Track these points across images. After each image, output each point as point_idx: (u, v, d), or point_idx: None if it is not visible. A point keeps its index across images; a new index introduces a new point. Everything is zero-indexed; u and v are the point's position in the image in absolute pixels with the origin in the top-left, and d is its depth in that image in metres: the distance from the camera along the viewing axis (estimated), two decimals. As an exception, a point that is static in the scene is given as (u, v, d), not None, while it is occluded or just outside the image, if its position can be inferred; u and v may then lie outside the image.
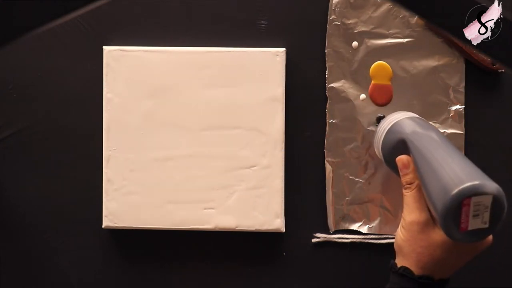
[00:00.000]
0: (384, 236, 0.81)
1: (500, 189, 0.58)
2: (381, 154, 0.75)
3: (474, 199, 0.57)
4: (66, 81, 0.84)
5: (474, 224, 0.58)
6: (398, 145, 0.70)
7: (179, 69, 0.80)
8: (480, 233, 0.59)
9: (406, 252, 0.65)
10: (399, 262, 0.67)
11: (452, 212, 0.57)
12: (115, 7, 0.83)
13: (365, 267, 0.82)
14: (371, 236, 0.81)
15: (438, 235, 0.63)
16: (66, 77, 0.84)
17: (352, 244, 0.82)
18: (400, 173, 0.69)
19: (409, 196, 0.67)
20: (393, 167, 0.72)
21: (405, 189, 0.68)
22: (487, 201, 0.57)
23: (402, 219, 0.67)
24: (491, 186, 0.58)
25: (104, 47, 0.81)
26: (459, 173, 0.59)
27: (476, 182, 0.57)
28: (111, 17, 0.83)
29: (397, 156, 0.70)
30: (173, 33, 0.82)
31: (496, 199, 0.58)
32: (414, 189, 0.66)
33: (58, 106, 0.84)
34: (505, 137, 0.81)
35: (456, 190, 0.57)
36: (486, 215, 0.58)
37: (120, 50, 0.81)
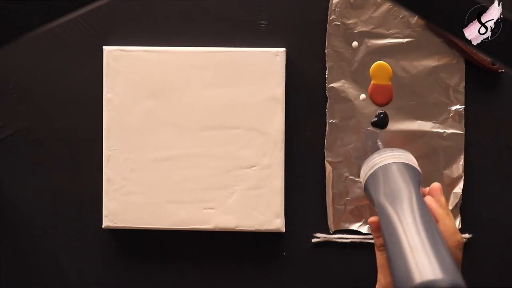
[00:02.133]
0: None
1: (457, 280, 0.56)
2: (363, 182, 0.76)
3: None
4: (66, 81, 0.84)
5: None
6: (373, 200, 0.71)
7: (179, 69, 0.80)
8: None
9: None
10: None
11: None
12: (115, 7, 0.83)
13: (365, 267, 0.82)
14: (371, 236, 0.81)
15: None
16: (66, 77, 0.84)
17: (352, 244, 0.82)
18: (372, 234, 0.68)
19: (383, 259, 0.66)
20: (372, 204, 0.72)
21: (378, 251, 0.67)
22: None
23: (378, 282, 0.66)
24: (446, 280, 0.56)
25: (104, 47, 0.82)
26: (415, 266, 0.58)
27: (429, 278, 0.56)
28: (111, 17, 0.83)
29: (373, 204, 0.71)
30: (173, 33, 0.82)
31: None
32: (382, 250, 0.66)
33: (58, 106, 0.84)
34: (505, 137, 0.81)
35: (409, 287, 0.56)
36: None
37: (120, 50, 0.81)
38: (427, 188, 0.70)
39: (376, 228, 0.67)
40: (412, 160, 0.74)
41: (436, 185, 0.70)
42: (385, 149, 0.77)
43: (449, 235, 0.65)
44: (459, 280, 0.57)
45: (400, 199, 0.66)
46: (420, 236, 0.61)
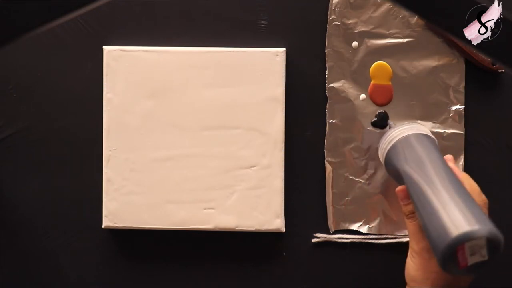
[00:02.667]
0: (384, 236, 0.81)
1: (493, 230, 0.58)
2: (383, 163, 0.77)
3: (467, 244, 0.58)
4: (66, 81, 0.84)
5: (472, 260, 0.59)
6: (397, 172, 0.72)
7: (179, 69, 0.80)
8: (481, 265, 0.59)
9: (420, 280, 0.65)
10: None
11: (447, 258, 0.58)
12: (115, 7, 0.83)
13: (365, 267, 0.82)
14: (371, 236, 0.81)
15: None
16: (66, 77, 0.84)
17: (352, 244, 0.82)
18: (401, 203, 0.69)
19: (413, 225, 0.66)
20: (396, 179, 0.73)
21: (408, 218, 0.67)
22: (481, 242, 0.58)
23: (410, 248, 0.66)
24: (481, 230, 0.58)
25: (104, 47, 0.82)
26: (449, 221, 0.59)
27: (466, 230, 0.58)
28: (111, 17, 0.83)
29: (397, 175, 0.71)
30: (173, 33, 0.82)
31: (489, 240, 0.58)
32: (417, 218, 0.66)
33: (58, 106, 0.84)
34: (505, 137, 0.81)
35: (447, 242, 0.58)
36: (484, 251, 0.59)
37: (120, 50, 0.81)
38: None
39: (405, 196, 0.68)
40: (425, 130, 0.76)
41: (448, 156, 0.73)
42: (398, 124, 0.78)
43: (476, 194, 0.66)
44: (495, 230, 0.58)
45: (424, 164, 0.68)
46: (450, 193, 0.63)
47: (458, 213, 0.60)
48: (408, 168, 0.69)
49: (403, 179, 0.69)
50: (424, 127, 0.77)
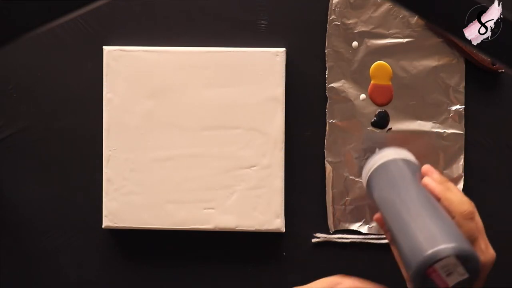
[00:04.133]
0: (384, 236, 0.81)
1: (460, 246, 0.57)
2: (366, 190, 0.77)
3: (437, 265, 0.56)
4: (66, 81, 0.84)
5: (452, 280, 0.57)
6: (373, 198, 0.73)
7: (179, 69, 0.80)
8: (465, 282, 0.57)
9: None
10: None
11: (421, 282, 0.57)
12: (115, 7, 0.83)
13: (365, 267, 0.82)
14: (371, 236, 0.81)
15: None
16: (66, 77, 0.84)
17: (352, 244, 0.82)
18: (382, 230, 0.69)
19: (395, 252, 0.67)
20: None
21: (392, 245, 0.67)
22: (452, 261, 0.56)
23: (404, 276, 0.66)
24: (446, 248, 0.56)
25: (104, 47, 0.82)
26: (414, 246, 0.58)
27: (429, 252, 0.56)
28: (111, 17, 0.83)
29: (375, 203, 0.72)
30: (173, 33, 0.82)
31: (460, 257, 0.56)
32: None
33: (58, 106, 0.84)
34: (505, 137, 0.81)
35: (415, 267, 0.57)
36: (460, 269, 0.57)
37: (120, 50, 0.81)
38: (422, 171, 0.72)
39: (382, 224, 0.68)
40: (407, 155, 0.75)
41: (426, 166, 0.71)
42: (382, 149, 0.77)
43: (454, 207, 0.64)
44: (463, 245, 0.56)
45: (397, 187, 0.68)
46: (419, 214, 0.62)
47: (424, 235, 0.59)
48: (383, 193, 0.69)
49: (379, 205, 0.69)
50: (407, 153, 0.76)
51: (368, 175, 0.74)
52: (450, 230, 0.59)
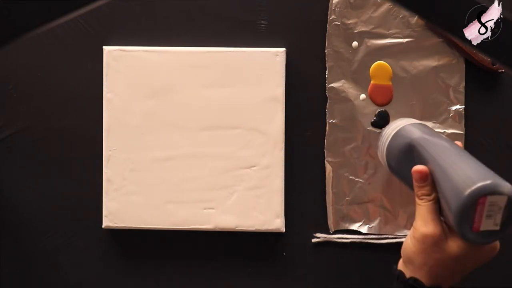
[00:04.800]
0: (384, 236, 0.81)
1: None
2: (385, 160, 0.75)
3: (489, 199, 0.57)
4: (66, 81, 0.84)
5: (486, 225, 0.58)
6: (406, 150, 0.70)
7: (179, 69, 0.80)
8: (490, 235, 0.59)
9: (418, 264, 0.64)
10: (408, 272, 0.65)
11: (466, 210, 0.58)
12: (115, 7, 0.83)
13: (365, 267, 0.82)
14: (371, 236, 0.81)
15: (452, 248, 0.62)
16: (66, 77, 0.84)
17: (352, 244, 0.82)
18: (416, 184, 0.66)
19: (424, 207, 0.65)
20: (399, 174, 0.72)
21: (421, 200, 0.66)
22: (502, 201, 0.57)
23: (413, 229, 0.65)
24: (507, 186, 0.58)
25: (104, 47, 0.82)
26: (475, 174, 0.59)
27: (492, 181, 0.58)
28: (111, 17, 0.83)
29: (403, 163, 0.70)
30: (173, 33, 0.82)
31: (510, 201, 0.58)
32: (430, 201, 0.65)
33: (58, 106, 0.84)
34: (505, 137, 0.81)
35: (473, 188, 0.57)
36: (498, 217, 0.58)
37: (120, 50, 0.81)
38: None
39: (421, 178, 0.65)
40: (417, 121, 0.77)
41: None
42: (393, 121, 0.78)
43: None
44: None
45: (436, 134, 0.69)
46: (470, 155, 0.64)
47: (482, 168, 0.60)
48: (423, 134, 0.69)
49: (417, 147, 0.68)
50: (416, 120, 0.78)
51: (390, 138, 0.74)
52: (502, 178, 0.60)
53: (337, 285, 0.82)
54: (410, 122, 0.75)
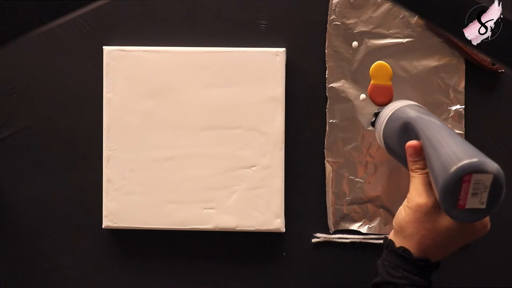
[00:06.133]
0: (384, 236, 0.81)
1: (500, 170, 0.58)
2: (382, 140, 0.76)
3: (474, 177, 0.58)
4: (66, 81, 0.84)
5: (472, 203, 0.59)
6: (402, 129, 0.70)
7: (179, 69, 0.80)
8: (476, 214, 0.60)
9: (408, 233, 0.65)
10: (398, 241, 0.66)
11: (452, 187, 0.58)
12: (115, 7, 0.83)
13: (365, 267, 0.82)
14: (371, 236, 0.81)
15: (444, 220, 0.63)
16: (66, 77, 0.84)
17: (352, 244, 0.82)
18: (410, 159, 0.68)
19: (418, 179, 0.66)
20: (396, 154, 0.72)
21: (415, 172, 0.67)
22: (487, 180, 0.58)
23: (407, 199, 0.66)
24: (492, 165, 0.58)
25: (104, 47, 0.82)
26: (461, 152, 0.60)
27: (478, 159, 0.58)
28: (111, 17, 0.83)
29: (399, 141, 0.70)
30: (173, 33, 0.82)
31: (495, 179, 0.58)
32: (424, 174, 0.66)
33: (58, 106, 0.84)
34: (505, 137, 0.81)
35: (458, 165, 0.58)
36: (485, 196, 0.59)
37: (120, 50, 0.81)
38: None
39: (415, 152, 0.67)
40: (413, 102, 0.77)
41: None
42: (390, 103, 0.79)
43: None
44: (502, 172, 0.58)
45: (431, 115, 0.70)
46: (461, 137, 0.65)
47: (471, 147, 0.61)
48: (418, 114, 0.69)
49: (412, 125, 0.68)
50: (413, 101, 0.78)
51: (387, 118, 0.75)
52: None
53: (337, 285, 0.82)
54: (407, 104, 0.75)
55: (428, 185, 0.65)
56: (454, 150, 0.60)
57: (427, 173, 0.65)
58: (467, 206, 0.59)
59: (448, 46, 0.80)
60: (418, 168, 0.66)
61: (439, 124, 0.67)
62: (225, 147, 0.80)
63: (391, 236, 0.68)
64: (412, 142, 0.67)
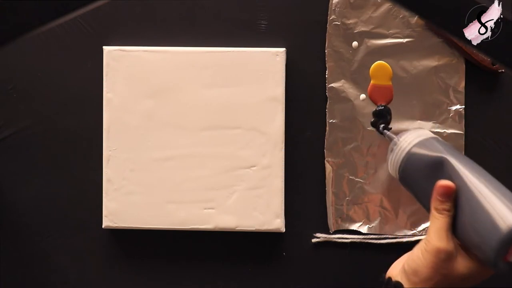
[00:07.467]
0: (384, 236, 0.81)
1: None
2: (397, 170, 0.71)
3: None
4: (66, 81, 0.84)
5: None
6: (431, 165, 0.67)
7: (179, 69, 0.80)
8: None
9: (424, 277, 0.63)
10: (409, 284, 0.64)
11: (505, 245, 0.58)
12: (115, 7, 0.83)
13: (365, 267, 0.82)
14: (371, 236, 0.81)
15: (461, 266, 0.62)
16: (66, 77, 0.84)
17: (352, 244, 0.82)
18: (439, 198, 0.64)
19: (441, 222, 0.63)
20: (414, 188, 0.70)
21: (440, 213, 0.64)
22: None
23: (426, 242, 0.63)
24: None
25: (104, 47, 0.82)
26: (505, 212, 0.60)
27: None
28: (111, 17, 0.83)
29: (424, 177, 0.67)
30: (173, 33, 0.82)
31: None
32: (449, 216, 0.63)
33: (58, 106, 0.84)
34: (505, 137, 0.81)
35: (505, 233, 0.58)
36: None
37: (120, 50, 0.81)
38: None
39: (446, 192, 0.64)
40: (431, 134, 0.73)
41: None
42: (403, 134, 0.73)
43: None
44: None
45: (461, 157, 0.66)
46: (499, 188, 0.63)
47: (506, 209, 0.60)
48: (451, 151, 0.66)
49: (448, 164, 0.65)
50: (430, 132, 0.73)
51: (409, 148, 0.70)
52: None
53: (337, 285, 0.82)
54: (431, 136, 0.71)
55: (450, 229, 0.63)
56: (505, 206, 0.60)
57: (451, 216, 0.63)
58: (511, 259, 0.59)
59: (448, 46, 0.80)
60: (445, 210, 0.63)
61: (477, 168, 0.65)
62: (225, 147, 0.80)
63: (397, 277, 0.65)
64: (446, 182, 0.64)
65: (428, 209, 0.66)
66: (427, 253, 0.63)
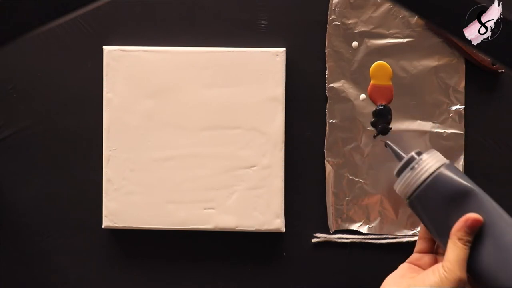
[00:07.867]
0: (384, 236, 0.81)
1: None
2: (408, 193, 0.67)
3: None
4: (66, 81, 0.84)
5: None
6: (455, 196, 0.65)
7: (179, 69, 0.80)
8: None
9: None
10: None
11: None
12: (115, 7, 0.83)
13: (365, 267, 0.82)
14: (371, 236, 0.81)
15: None
16: (66, 77, 0.84)
17: (352, 244, 0.82)
18: (466, 230, 0.64)
19: (464, 253, 0.63)
20: (428, 216, 0.67)
21: (464, 244, 0.64)
22: None
23: (446, 271, 0.63)
24: None
25: (104, 47, 0.82)
26: None
27: None
28: (111, 17, 0.83)
29: (445, 207, 0.65)
30: (173, 33, 0.82)
31: None
32: (469, 248, 0.64)
33: (58, 106, 0.84)
34: (505, 137, 0.81)
35: None
36: None
37: (120, 50, 0.81)
38: None
39: (474, 225, 0.64)
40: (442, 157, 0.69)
41: None
42: (427, 155, 0.67)
43: None
44: None
45: (477, 193, 0.65)
46: None
47: None
48: (479, 189, 0.65)
49: (478, 196, 0.65)
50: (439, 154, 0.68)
51: (431, 174, 0.66)
52: None
53: (337, 285, 0.82)
54: (448, 162, 0.67)
55: (466, 260, 0.64)
56: None
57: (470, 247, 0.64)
58: None
59: (448, 46, 0.80)
60: (469, 242, 0.64)
61: (498, 206, 0.66)
62: (225, 147, 0.80)
63: None
64: (477, 216, 0.64)
65: (438, 234, 0.66)
66: (447, 280, 0.63)
